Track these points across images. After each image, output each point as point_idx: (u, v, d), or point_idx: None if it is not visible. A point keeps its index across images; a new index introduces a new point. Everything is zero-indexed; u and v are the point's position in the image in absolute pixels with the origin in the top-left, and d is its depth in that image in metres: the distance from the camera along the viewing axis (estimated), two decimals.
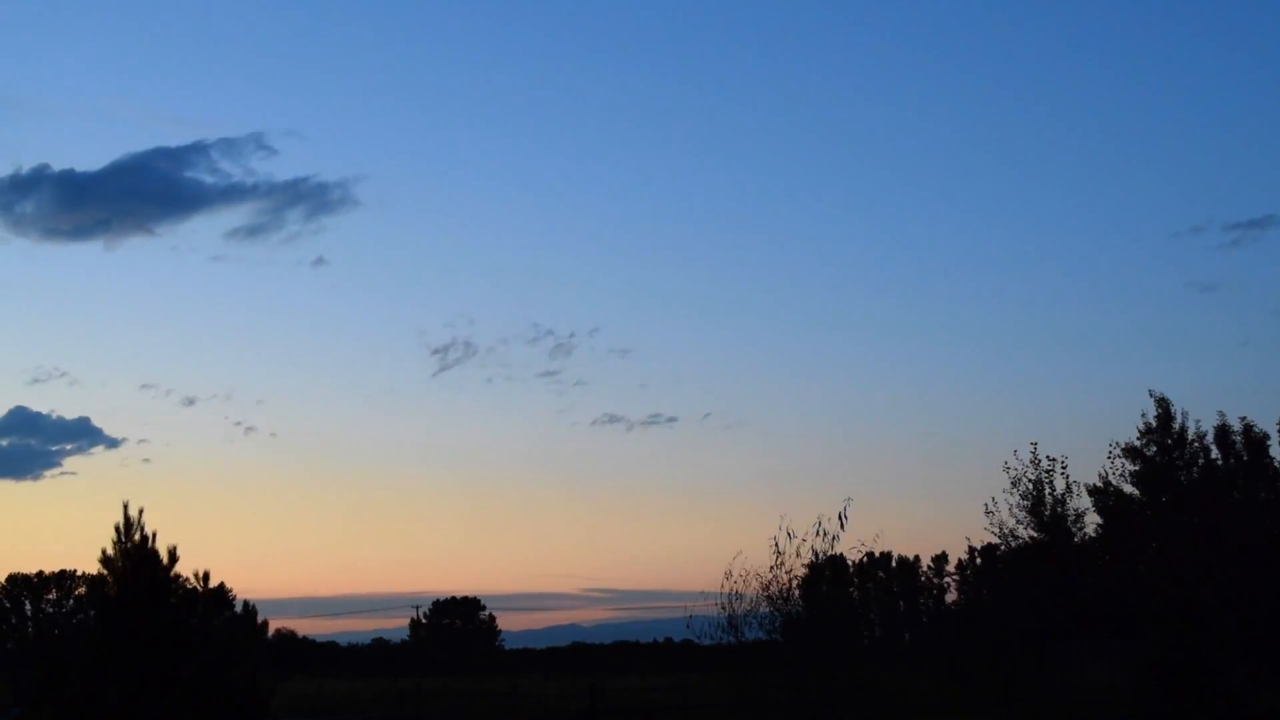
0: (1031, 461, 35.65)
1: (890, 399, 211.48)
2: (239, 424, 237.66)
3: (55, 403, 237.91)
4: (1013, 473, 35.74)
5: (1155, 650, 29.56)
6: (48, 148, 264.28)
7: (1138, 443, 35.94)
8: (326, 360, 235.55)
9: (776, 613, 21.10)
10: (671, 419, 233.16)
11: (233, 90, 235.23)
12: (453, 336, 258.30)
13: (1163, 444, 35.60)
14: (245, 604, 18.04)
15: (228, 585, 17.90)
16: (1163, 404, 35.90)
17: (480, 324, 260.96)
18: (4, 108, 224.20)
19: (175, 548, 14.83)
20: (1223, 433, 35.45)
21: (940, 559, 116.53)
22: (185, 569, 15.09)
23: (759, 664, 21.33)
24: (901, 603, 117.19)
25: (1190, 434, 35.75)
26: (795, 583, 21.24)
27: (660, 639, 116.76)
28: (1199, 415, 36.15)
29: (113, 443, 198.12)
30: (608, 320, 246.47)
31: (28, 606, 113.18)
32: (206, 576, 15.69)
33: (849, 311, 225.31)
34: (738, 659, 21.57)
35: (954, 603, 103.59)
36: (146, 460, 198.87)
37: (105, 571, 14.71)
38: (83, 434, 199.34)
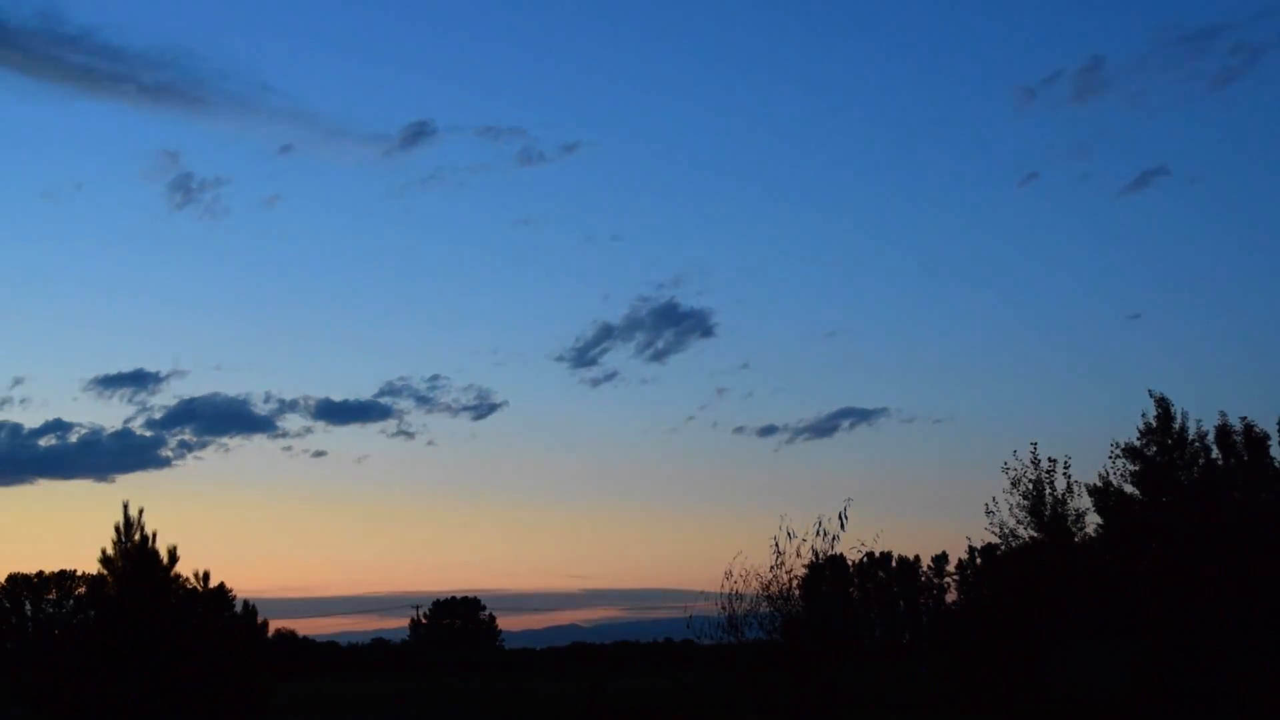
0: (1031, 461, 35.53)
1: (890, 399, 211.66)
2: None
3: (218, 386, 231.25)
4: (1012, 473, 35.61)
5: (1155, 650, 29.56)
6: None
7: (1138, 443, 35.80)
8: None
9: (776, 613, 21.08)
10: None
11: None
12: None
13: (1163, 444, 35.47)
14: (245, 604, 18.03)
15: (228, 585, 17.87)
16: (1162, 404, 35.77)
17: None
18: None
19: (175, 547, 14.79)
20: (1223, 433, 35.31)
21: (940, 559, 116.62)
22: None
23: (759, 664, 21.30)
24: (901, 603, 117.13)
25: (1190, 434, 35.62)
26: (795, 583, 21.23)
27: (660, 639, 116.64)
28: (1199, 415, 35.99)
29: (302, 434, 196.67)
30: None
31: (28, 606, 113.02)
32: (206, 576, 15.69)
33: (848, 311, 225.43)
34: (738, 659, 21.54)
35: (954, 602, 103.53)
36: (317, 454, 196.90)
37: (105, 571, 14.68)
38: (264, 425, 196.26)
